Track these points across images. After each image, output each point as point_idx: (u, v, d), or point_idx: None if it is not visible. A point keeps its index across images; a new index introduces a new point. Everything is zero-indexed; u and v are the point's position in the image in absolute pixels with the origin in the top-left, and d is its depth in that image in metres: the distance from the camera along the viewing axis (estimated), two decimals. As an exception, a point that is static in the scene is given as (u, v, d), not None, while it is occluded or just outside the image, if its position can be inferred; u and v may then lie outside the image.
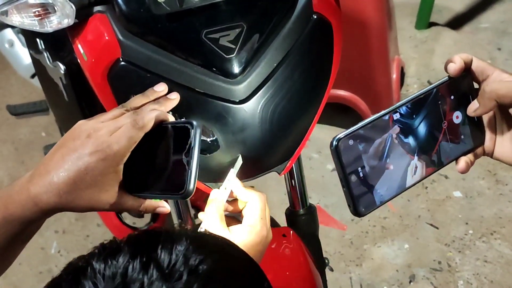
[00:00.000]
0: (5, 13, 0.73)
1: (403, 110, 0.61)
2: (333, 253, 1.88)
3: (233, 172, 0.76)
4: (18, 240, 0.65)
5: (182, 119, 0.69)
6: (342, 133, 0.58)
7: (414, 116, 0.62)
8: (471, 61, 0.62)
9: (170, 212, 1.03)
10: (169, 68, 0.74)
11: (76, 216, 2.06)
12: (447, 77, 0.63)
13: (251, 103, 0.76)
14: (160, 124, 0.67)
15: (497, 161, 0.67)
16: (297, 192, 1.04)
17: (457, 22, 2.77)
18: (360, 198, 0.59)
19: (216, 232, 0.69)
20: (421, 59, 2.58)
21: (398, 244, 1.90)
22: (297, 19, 0.77)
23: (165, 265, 0.45)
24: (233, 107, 0.75)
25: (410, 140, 0.62)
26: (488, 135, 0.66)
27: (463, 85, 0.64)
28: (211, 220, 0.71)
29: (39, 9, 0.73)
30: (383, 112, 0.60)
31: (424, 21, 2.69)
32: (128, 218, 1.66)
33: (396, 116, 0.61)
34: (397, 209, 2.00)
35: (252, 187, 0.78)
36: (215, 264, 0.47)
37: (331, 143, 0.58)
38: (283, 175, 0.89)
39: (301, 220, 1.06)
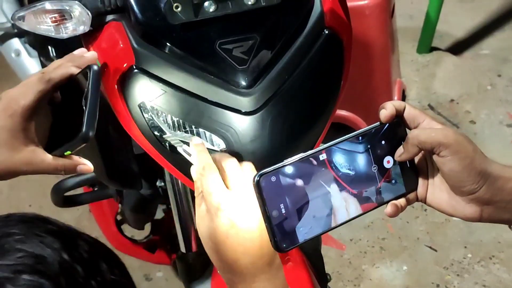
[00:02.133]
0: (22, 18, 0.74)
1: (333, 150, 0.62)
2: (332, 272, 1.87)
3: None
4: None
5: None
6: (265, 168, 0.58)
7: (343, 157, 0.62)
8: (404, 108, 0.64)
9: (172, 226, 1.03)
10: (181, 77, 0.74)
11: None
12: (379, 123, 0.64)
13: (261, 115, 0.77)
14: (72, 80, 0.67)
15: None
16: (301, 206, 1.04)
17: (458, 48, 2.80)
18: (281, 234, 0.59)
19: (218, 191, 0.62)
20: (422, 83, 2.61)
21: (396, 266, 1.90)
22: (309, 33, 0.78)
23: None
24: (243, 118, 0.76)
25: (339, 181, 0.62)
26: (421, 181, 0.67)
27: (396, 131, 0.65)
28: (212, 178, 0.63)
29: (56, 15, 0.74)
30: (312, 151, 0.61)
31: (426, 46, 2.72)
32: (127, 230, 1.65)
33: (324, 156, 0.61)
34: (396, 231, 2.00)
35: None
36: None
37: (253, 177, 0.58)
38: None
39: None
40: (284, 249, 0.59)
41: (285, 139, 0.79)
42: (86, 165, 0.70)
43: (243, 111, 0.76)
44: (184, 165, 0.77)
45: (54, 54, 0.97)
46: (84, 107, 0.63)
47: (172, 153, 0.76)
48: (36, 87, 0.64)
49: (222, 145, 0.81)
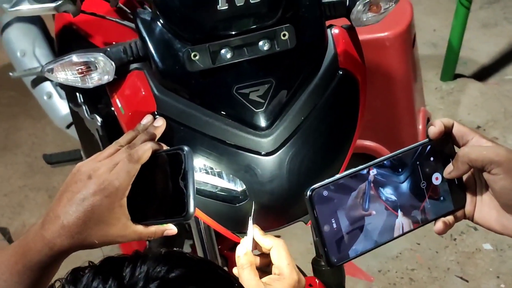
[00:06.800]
0: (51, 70, 0.79)
1: (382, 166, 0.63)
2: (361, 305, 1.86)
3: (251, 220, 0.79)
4: (40, 284, 0.68)
5: (174, 147, 0.72)
6: (318, 183, 0.60)
7: (393, 173, 0.64)
8: (452, 125, 0.65)
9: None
10: (201, 121, 0.78)
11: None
12: (427, 139, 0.65)
13: (279, 155, 0.79)
14: (154, 154, 0.71)
15: None
16: (323, 242, 1.05)
17: (482, 74, 2.78)
18: (332, 249, 0.60)
19: (252, 285, 0.71)
20: (447, 110, 2.59)
21: (427, 297, 1.87)
22: (324, 75, 0.80)
23: (127, 278, 0.48)
24: (261, 159, 0.78)
25: (389, 196, 0.64)
26: (469, 199, 0.67)
27: (444, 148, 0.66)
28: (246, 275, 0.72)
29: (82, 66, 0.78)
30: (361, 166, 0.63)
31: (450, 73, 2.71)
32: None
33: (375, 171, 0.63)
34: (425, 261, 1.97)
35: (279, 236, 0.79)
36: (179, 275, 0.49)
37: (305, 192, 0.60)
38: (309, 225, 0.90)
39: (327, 270, 1.06)
40: (335, 263, 0.61)
41: (303, 178, 0.81)
42: (172, 229, 0.74)
43: (261, 152, 0.78)
44: (206, 206, 0.80)
45: (82, 100, 1.02)
46: (184, 188, 0.68)
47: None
48: (127, 168, 0.68)
49: (243, 186, 0.83)
